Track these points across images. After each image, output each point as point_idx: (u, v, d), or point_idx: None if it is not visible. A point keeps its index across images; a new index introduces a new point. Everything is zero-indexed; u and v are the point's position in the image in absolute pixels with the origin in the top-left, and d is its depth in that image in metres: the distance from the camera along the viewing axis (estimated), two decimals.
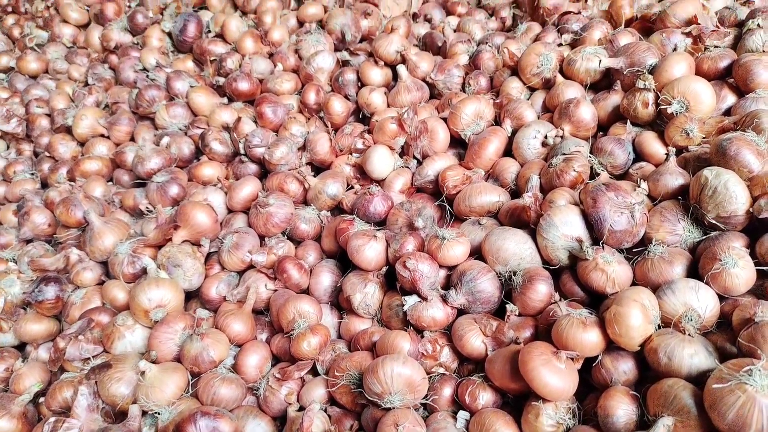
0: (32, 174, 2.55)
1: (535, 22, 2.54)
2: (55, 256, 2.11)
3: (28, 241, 2.31)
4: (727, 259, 1.32)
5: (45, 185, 2.54)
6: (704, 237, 1.48)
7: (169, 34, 2.84)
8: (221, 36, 2.74)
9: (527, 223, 1.69)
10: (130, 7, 3.05)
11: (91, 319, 1.83)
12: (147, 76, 2.59)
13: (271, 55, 2.66)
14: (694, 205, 1.48)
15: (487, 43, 2.52)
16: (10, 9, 3.61)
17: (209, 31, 2.78)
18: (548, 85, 2.17)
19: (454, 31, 2.77)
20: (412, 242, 1.75)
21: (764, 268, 1.33)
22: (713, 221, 1.44)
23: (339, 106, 2.35)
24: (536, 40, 2.41)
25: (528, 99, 2.21)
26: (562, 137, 1.92)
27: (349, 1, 2.77)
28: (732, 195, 1.40)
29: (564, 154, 1.80)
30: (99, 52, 2.99)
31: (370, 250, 1.79)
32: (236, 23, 2.67)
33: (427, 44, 2.76)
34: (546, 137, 1.94)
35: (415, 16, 3.01)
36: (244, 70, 2.52)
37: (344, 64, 2.54)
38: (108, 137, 2.54)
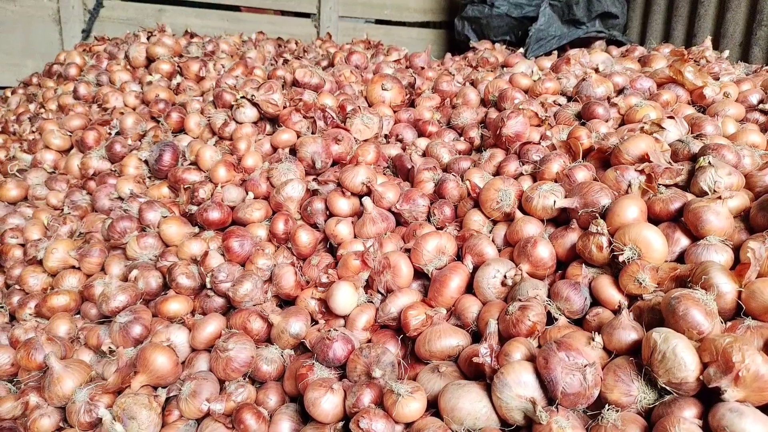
0: (1, 307, 2.54)
1: (499, 149, 2.61)
2: (13, 404, 2.06)
3: None
4: None
5: (14, 318, 2.52)
6: (658, 401, 1.45)
7: (147, 162, 2.91)
8: (196, 164, 2.80)
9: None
10: (110, 134, 3.15)
11: None
12: (121, 206, 2.63)
13: (244, 182, 2.72)
14: (646, 367, 1.45)
15: (452, 169, 2.59)
16: (0, 128, 3.74)
17: (185, 159, 2.86)
18: (510, 217, 2.20)
19: (423, 153, 2.85)
20: (369, 395, 1.71)
21: None
22: (665, 386, 1.41)
23: (305, 238, 2.38)
24: (499, 169, 2.48)
25: (490, 231, 2.24)
26: (521, 277, 1.93)
27: (321, 125, 2.87)
28: (681, 362, 1.37)
29: (520, 299, 1.80)
30: (78, 178, 3.07)
31: (327, 403, 1.75)
32: (210, 153, 2.75)
33: (397, 166, 2.83)
34: (505, 277, 1.95)
35: (387, 137, 3.11)
36: (215, 200, 2.57)
37: (314, 193, 2.59)
38: (79, 269, 2.54)
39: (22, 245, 2.74)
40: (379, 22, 6.96)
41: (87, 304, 2.44)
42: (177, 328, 2.21)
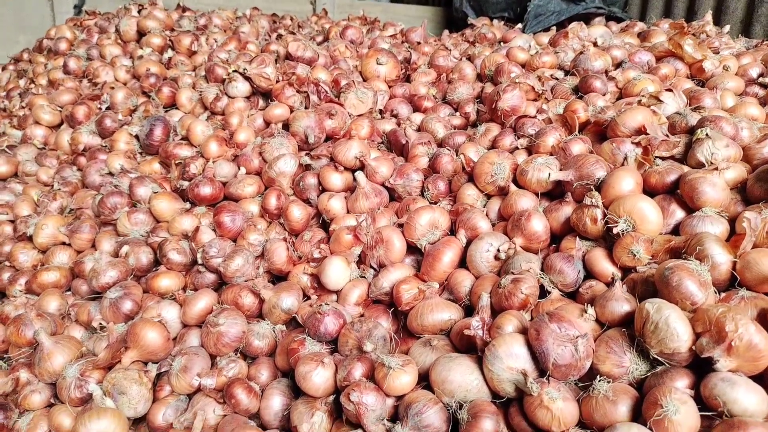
0: None
1: (494, 123, 2.57)
2: (3, 380, 2.05)
3: None
4: (668, 405, 1.26)
5: (4, 295, 2.50)
6: (651, 372, 1.43)
7: (137, 137, 2.87)
8: (187, 139, 2.76)
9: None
10: (100, 109, 3.11)
11: None
12: (111, 182, 2.60)
13: (236, 157, 2.69)
14: (639, 338, 1.44)
15: (447, 144, 2.55)
16: None
17: (176, 134, 2.81)
18: (504, 191, 2.17)
19: (418, 129, 2.81)
20: (360, 368, 1.70)
21: (708, 413, 1.27)
22: (657, 356, 1.40)
23: (298, 213, 2.35)
24: (494, 143, 2.44)
25: (484, 206, 2.22)
26: (514, 251, 1.91)
27: (314, 100, 2.82)
28: (673, 332, 1.36)
29: (513, 273, 1.77)
30: (68, 154, 3.02)
31: (318, 377, 1.74)
32: (201, 127, 2.71)
33: (391, 142, 2.79)
34: (498, 251, 1.93)
35: (382, 112, 3.07)
36: (207, 175, 2.54)
37: (306, 168, 2.56)
38: (69, 245, 2.52)
39: (12, 222, 2.71)
40: None
41: (77, 280, 2.42)
42: (168, 303, 2.19)
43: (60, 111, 3.22)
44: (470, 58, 3.38)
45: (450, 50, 3.47)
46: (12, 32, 5.09)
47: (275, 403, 1.87)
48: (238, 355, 2.06)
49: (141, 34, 3.72)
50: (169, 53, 3.50)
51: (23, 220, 2.61)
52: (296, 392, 1.88)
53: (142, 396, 1.89)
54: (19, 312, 2.26)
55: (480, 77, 3.18)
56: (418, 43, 3.75)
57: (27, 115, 3.26)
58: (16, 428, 1.96)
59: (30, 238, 2.55)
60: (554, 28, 4.14)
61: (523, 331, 1.60)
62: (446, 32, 4.55)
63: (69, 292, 2.46)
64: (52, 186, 2.85)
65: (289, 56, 3.05)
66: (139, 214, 2.49)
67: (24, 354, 2.17)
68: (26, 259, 2.52)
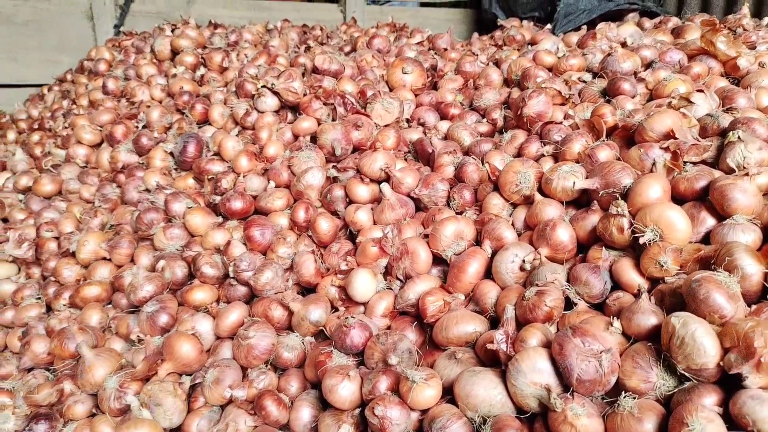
0: (38, 298, 2.66)
1: (521, 130, 2.55)
2: (49, 390, 2.16)
3: (30, 369, 2.38)
4: (694, 423, 1.23)
5: (50, 309, 2.63)
6: (678, 388, 1.40)
7: (172, 154, 2.97)
8: (219, 154, 2.84)
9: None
10: (137, 127, 3.23)
11: None
12: (148, 198, 2.70)
13: (265, 171, 2.75)
14: (665, 353, 1.41)
15: (473, 152, 2.54)
16: (36, 126, 3.88)
17: (209, 150, 2.90)
18: (529, 200, 2.15)
19: (445, 137, 2.81)
20: (385, 382, 1.72)
21: None
22: (684, 372, 1.36)
23: (325, 225, 2.39)
24: (520, 150, 2.42)
25: (510, 215, 2.20)
26: (540, 262, 1.89)
27: (341, 112, 2.86)
28: (700, 347, 1.32)
29: (537, 284, 1.76)
30: (108, 172, 3.16)
31: (344, 390, 1.77)
32: (232, 143, 2.78)
33: (418, 151, 2.80)
34: (524, 261, 1.91)
35: (409, 121, 3.08)
36: (237, 189, 2.61)
37: (334, 180, 2.59)
38: (110, 260, 2.63)
39: (57, 238, 2.85)
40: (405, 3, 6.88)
41: (117, 294, 2.52)
42: (202, 316, 2.26)
43: (100, 130, 3.37)
44: (497, 63, 3.35)
45: (477, 55, 3.46)
46: (56, 53, 5.33)
47: (304, 414, 1.91)
48: (269, 366, 2.11)
49: (175, 52, 3.84)
50: (202, 70, 3.61)
51: (67, 236, 2.74)
52: (324, 404, 1.91)
53: (176, 407, 1.95)
54: (63, 325, 2.38)
55: (507, 82, 3.15)
56: (445, 49, 3.74)
57: (70, 135, 3.42)
58: None
59: (73, 254, 2.67)
60: (585, 26, 4.06)
61: (548, 344, 1.58)
62: (475, 35, 4.53)
63: (110, 305, 2.57)
64: (94, 203, 2.98)
65: (315, 69, 3.10)
66: (175, 229, 2.57)
67: (68, 366, 2.28)
68: (70, 274, 2.65)
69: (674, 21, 3.63)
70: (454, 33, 4.29)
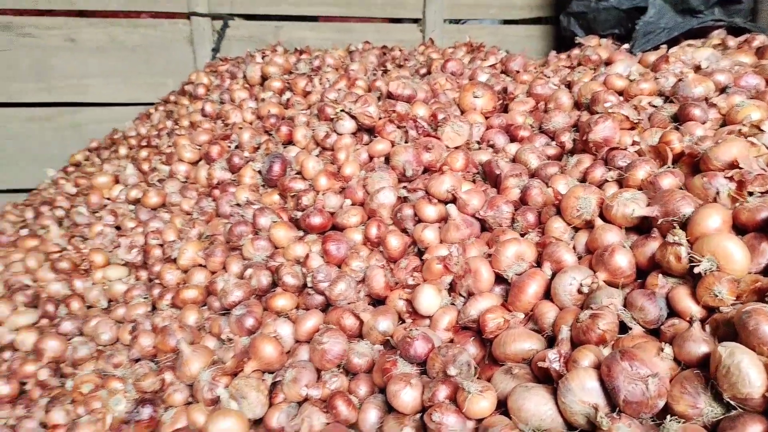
0: (145, 298, 3.03)
1: (587, 154, 2.62)
2: (153, 379, 2.48)
3: (137, 360, 2.73)
4: None
5: (155, 307, 2.99)
6: (724, 416, 1.45)
7: (260, 172, 3.28)
8: (301, 173, 3.11)
9: None
10: (230, 147, 3.58)
11: None
12: (238, 212, 3.01)
13: (342, 189, 2.98)
14: (713, 381, 1.47)
15: (539, 175, 2.64)
16: (144, 143, 4.36)
17: (292, 169, 3.18)
18: (590, 225, 2.23)
19: (513, 159, 2.92)
20: (444, 391, 1.87)
21: None
22: (730, 400, 1.42)
23: (395, 242, 2.57)
24: (585, 175, 2.49)
25: (572, 239, 2.28)
26: (597, 285, 1.97)
27: (413, 134, 3.04)
28: (745, 377, 1.38)
29: (592, 308, 1.84)
30: (205, 187, 3.52)
31: (406, 395, 1.93)
32: (312, 163, 3.04)
33: (486, 172, 2.93)
34: (581, 285, 2.00)
35: (479, 143, 3.21)
36: (317, 206, 2.85)
37: (404, 200, 2.78)
38: (205, 266, 2.96)
39: (161, 245, 3.23)
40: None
41: (211, 297, 2.84)
42: (283, 321, 2.51)
43: (199, 149, 3.76)
44: (569, 85, 3.41)
45: (549, 77, 3.53)
46: (162, 76, 5.91)
47: (371, 416, 2.09)
48: (341, 370, 2.31)
49: (264, 78, 4.20)
50: (288, 94, 3.94)
51: (169, 244, 3.10)
52: (390, 407, 2.08)
53: (259, 401, 2.20)
54: (165, 323, 2.71)
55: (577, 104, 3.21)
56: (518, 71, 3.84)
57: (173, 153, 3.83)
58: (162, 421, 2.37)
59: (174, 260, 3.03)
60: (665, 45, 4.01)
61: (599, 365, 1.67)
62: (553, 53, 4.55)
63: (205, 307, 2.89)
64: (192, 215, 3.34)
65: (390, 95, 3.31)
66: (261, 241, 2.85)
67: (169, 359, 2.60)
68: (171, 278, 3.00)
69: (761, 39, 3.52)
70: (533, 49, 4.33)
